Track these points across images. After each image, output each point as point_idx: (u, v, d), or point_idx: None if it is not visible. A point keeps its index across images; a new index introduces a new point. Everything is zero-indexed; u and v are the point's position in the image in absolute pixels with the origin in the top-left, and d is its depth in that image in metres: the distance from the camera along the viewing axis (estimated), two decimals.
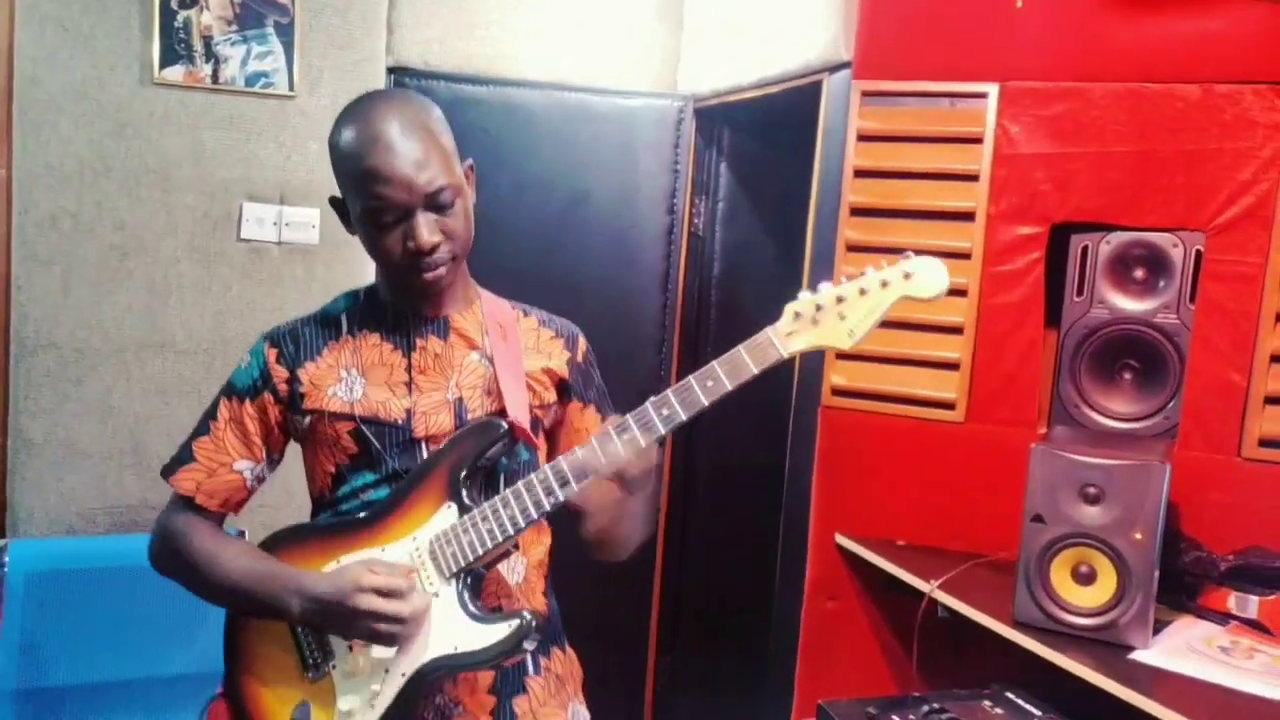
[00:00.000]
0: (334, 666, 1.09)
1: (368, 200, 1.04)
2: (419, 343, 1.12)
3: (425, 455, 1.10)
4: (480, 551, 1.04)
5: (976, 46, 1.60)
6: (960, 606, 1.42)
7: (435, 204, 1.04)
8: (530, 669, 1.15)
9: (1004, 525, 1.45)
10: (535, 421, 1.14)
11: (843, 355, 1.64)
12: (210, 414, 1.14)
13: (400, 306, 1.13)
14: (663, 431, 1.00)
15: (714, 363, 0.99)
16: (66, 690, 1.83)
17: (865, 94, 1.68)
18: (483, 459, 1.07)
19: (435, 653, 1.04)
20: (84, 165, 1.97)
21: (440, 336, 1.13)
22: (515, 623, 1.03)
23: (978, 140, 1.60)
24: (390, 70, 2.14)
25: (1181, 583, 1.42)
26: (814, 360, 1.71)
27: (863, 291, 0.96)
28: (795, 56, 1.88)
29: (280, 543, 1.13)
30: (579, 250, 2.16)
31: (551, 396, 1.16)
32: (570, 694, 1.20)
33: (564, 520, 1.12)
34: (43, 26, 1.92)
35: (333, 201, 1.12)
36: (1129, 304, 1.52)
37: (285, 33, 2.05)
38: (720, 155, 2.32)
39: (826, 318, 0.97)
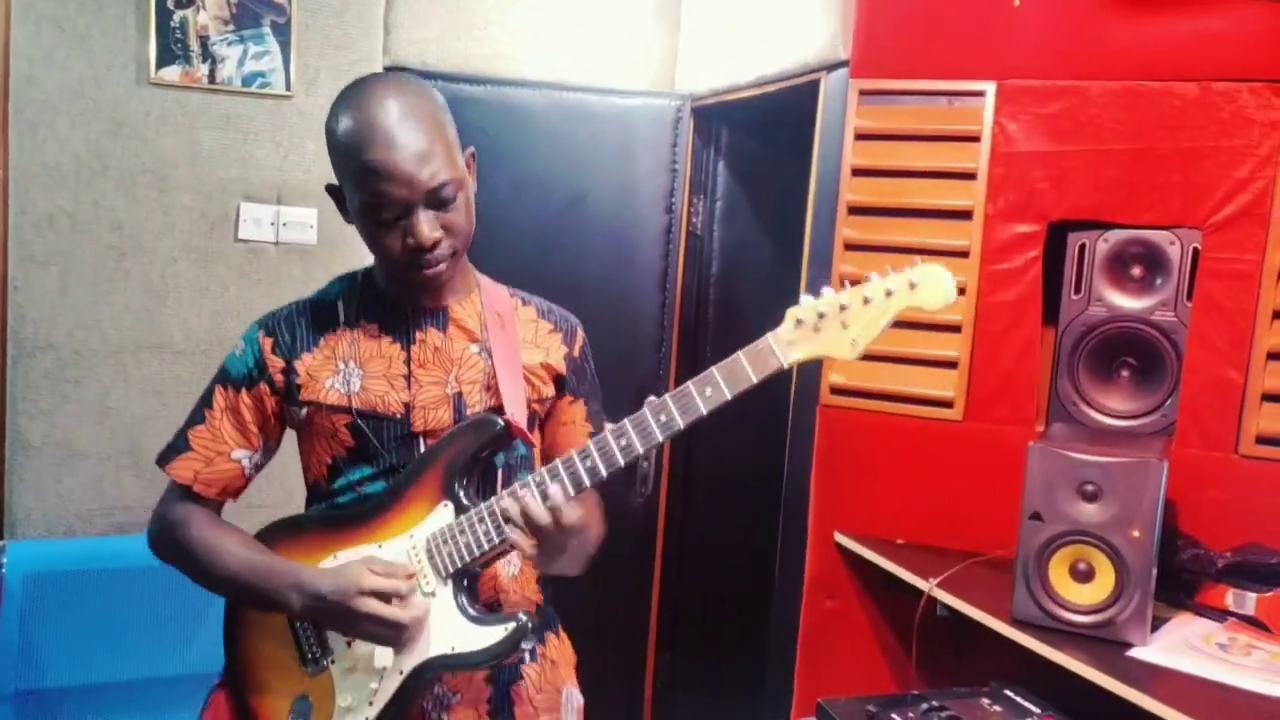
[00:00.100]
0: (332, 662, 1.09)
1: (366, 196, 1.01)
2: (418, 335, 1.10)
3: (422, 450, 1.09)
4: (477, 554, 1.04)
5: (974, 45, 1.61)
6: (959, 604, 1.42)
7: (437, 200, 1.01)
8: (526, 657, 1.16)
9: (1002, 523, 1.45)
10: (532, 416, 1.14)
11: None
12: (205, 402, 1.12)
13: (398, 296, 1.11)
14: (660, 439, 0.98)
15: (713, 369, 0.96)
16: (65, 691, 1.83)
17: (863, 93, 1.68)
18: (479, 457, 1.06)
19: (433, 652, 1.05)
20: (81, 165, 1.96)
21: (439, 329, 1.11)
22: (512, 626, 1.03)
23: (975, 139, 1.60)
24: (387, 70, 2.14)
25: (1179, 580, 1.42)
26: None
27: (867, 300, 0.93)
28: (793, 55, 1.88)
29: (277, 534, 1.13)
30: (577, 250, 2.16)
31: (549, 391, 1.16)
32: (564, 677, 1.21)
33: None
34: (39, 26, 1.91)
35: (330, 189, 1.09)
36: (1126, 302, 1.53)
37: (282, 32, 2.05)
38: (718, 154, 2.32)
39: (829, 326, 0.94)
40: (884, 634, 1.72)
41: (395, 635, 1.03)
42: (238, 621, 1.15)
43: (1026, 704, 1.35)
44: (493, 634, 1.03)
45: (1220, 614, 1.38)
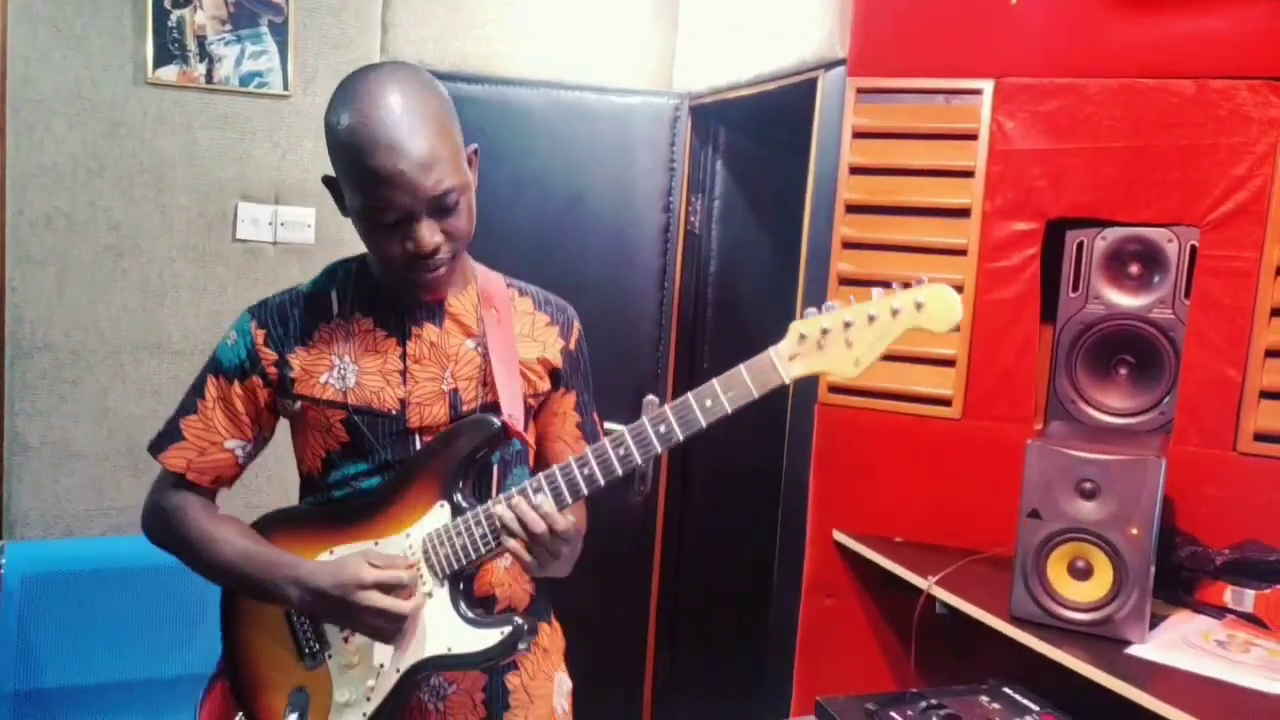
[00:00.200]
0: (329, 656, 1.09)
1: (366, 200, 0.98)
2: (414, 330, 1.09)
3: (418, 446, 1.09)
4: (474, 556, 1.04)
5: (971, 43, 1.60)
6: (958, 602, 1.42)
7: (440, 207, 0.99)
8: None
9: (1001, 521, 1.45)
10: (527, 410, 1.13)
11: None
12: (197, 391, 1.11)
13: (394, 288, 1.09)
14: (659, 450, 0.98)
15: (714, 382, 0.96)
16: (63, 691, 1.83)
17: (860, 91, 1.68)
18: (475, 457, 1.06)
19: (429, 652, 1.05)
20: (78, 165, 1.96)
21: (435, 323, 1.10)
22: (508, 630, 1.04)
23: (973, 136, 1.60)
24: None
25: (1178, 577, 1.42)
26: None
27: (871, 318, 0.93)
28: (790, 54, 1.88)
29: (273, 526, 1.12)
30: (576, 249, 2.16)
31: (545, 385, 1.15)
32: (555, 664, 1.22)
33: None
34: (35, 27, 1.91)
35: (326, 181, 1.05)
36: (1124, 299, 1.53)
37: (279, 32, 2.05)
38: (716, 153, 2.32)
39: (832, 343, 0.93)
40: (883, 632, 1.72)
41: (396, 628, 1.03)
42: (234, 614, 1.15)
43: (1025, 701, 1.35)
44: (489, 637, 1.04)
45: (1218, 611, 1.38)
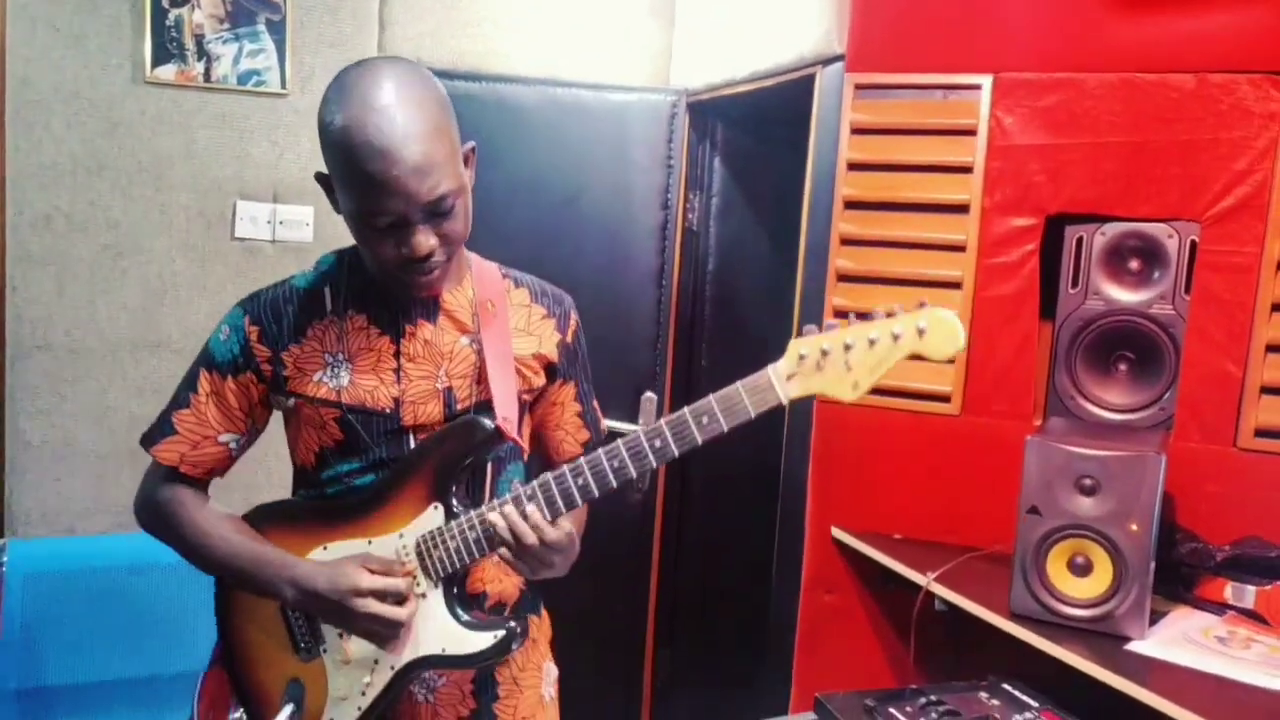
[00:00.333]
0: (324, 651, 1.10)
1: (359, 204, 0.96)
2: (408, 328, 1.08)
3: (413, 444, 1.08)
4: (467, 560, 1.04)
5: (969, 38, 1.60)
6: (957, 599, 1.42)
7: (436, 211, 0.97)
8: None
9: (1000, 518, 1.45)
10: (522, 406, 1.13)
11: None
12: (190, 385, 1.10)
13: (388, 285, 1.06)
14: (654, 465, 0.98)
15: (711, 399, 0.96)
16: (65, 689, 1.83)
17: (858, 87, 1.68)
18: (469, 459, 1.06)
19: (424, 652, 1.06)
20: (77, 165, 1.97)
21: (430, 320, 1.09)
22: (501, 634, 1.04)
23: (971, 132, 1.59)
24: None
25: (1178, 573, 1.42)
26: None
27: (872, 342, 0.92)
28: (788, 50, 1.87)
29: (267, 520, 1.12)
30: (573, 247, 2.16)
31: (540, 380, 1.15)
32: (543, 654, 1.23)
33: None
34: (34, 26, 1.91)
35: (319, 178, 1.03)
36: (1124, 295, 1.52)
37: (277, 30, 2.05)
38: (714, 150, 2.32)
39: (831, 365, 0.93)
40: (882, 628, 1.72)
41: (393, 633, 1.03)
42: (228, 605, 1.15)
43: (1025, 698, 1.35)
44: (482, 640, 1.05)
45: (1219, 607, 1.38)
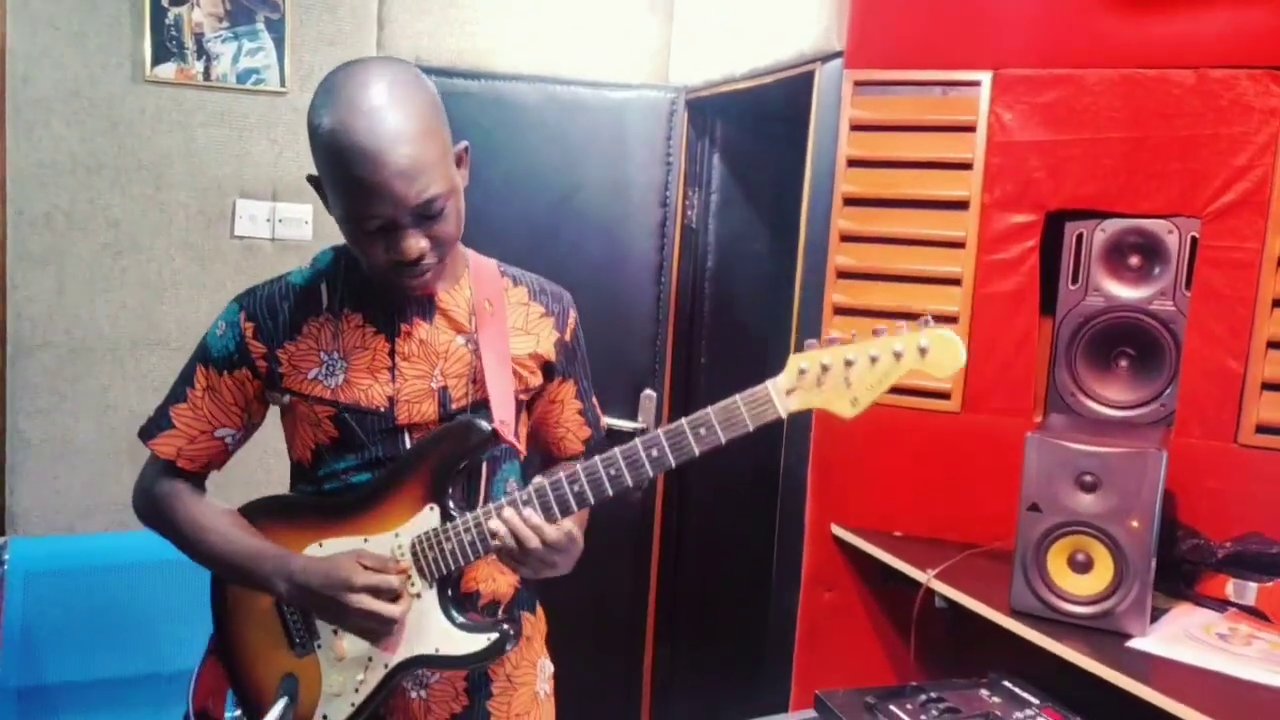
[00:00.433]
0: (319, 647, 1.10)
1: (348, 207, 0.96)
2: (404, 327, 1.08)
3: (408, 443, 1.09)
4: (462, 563, 1.05)
5: (969, 34, 1.59)
6: (957, 596, 1.41)
7: (425, 214, 0.96)
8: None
9: (1001, 515, 1.44)
10: (519, 405, 1.13)
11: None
12: (187, 379, 1.10)
13: (384, 283, 1.05)
14: (650, 474, 0.98)
15: (709, 411, 0.96)
16: (66, 687, 1.84)
17: (857, 83, 1.67)
18: (464, 462, 1.06)
19: (417, 651, 1.06)
20: (77, 163, 1.97)
21: (426, 319, 1.09)
22: (494, 636, 1.05)
23: (971, 129, 1.59)
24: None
25: (1179, 570, 1.42)
26: None
27: (874, 359, 0.92)
28: (787, 46, 1.87)
29: (263, 515, 1.13)
30: (571, 245, 2.16)
31: (537, 380, 1.15)
32: (538, 650, 1.23)
33: None
34: (34, 25, 1.92)
35: (312, 180, 1.03)
36: (1124, 291, 1.52)
37: (276, 29, 2.05)
38: (713, 147, 2.31)
39: (831, 381, 0.93)
40: (882, 626, 1.72)
41: (386, 630, 1.03)
42: (224, 599, 1.15)
43: (1025, 695, 1.35)
44: (476, 642, 1.05)
45: (1220, 604, 1.37)
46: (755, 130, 2.30)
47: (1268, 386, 1.41)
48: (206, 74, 2.02)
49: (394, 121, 0.93)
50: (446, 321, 1.10)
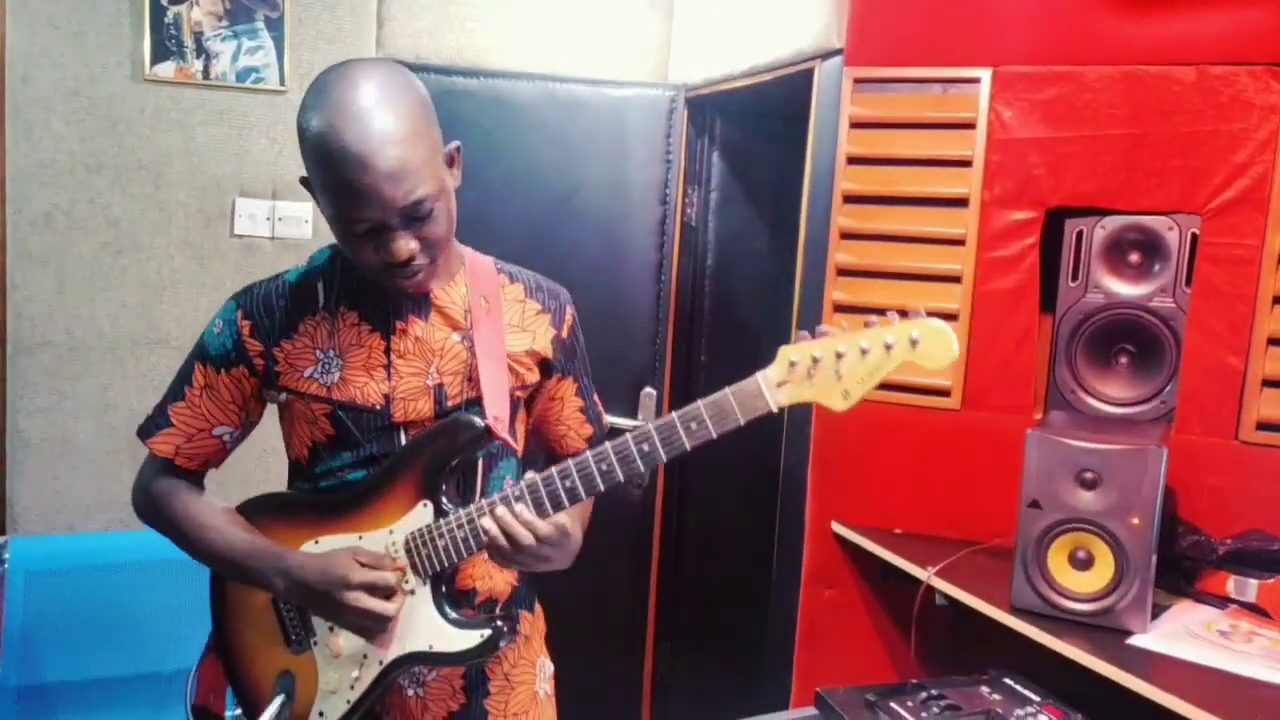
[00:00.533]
0: (315, 644, 1.10)
1: (337, 210, 0.97)
2: (398, 324, 1.08)
3: (404, 440, 1.09)
4: (455, 559, 1.05)
5: (968, 31, 1.59)
6: (958, 593, 1.41)
7: (413, 215, 0.97)
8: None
9: (1001, 512, 1.44)
10: (516, 403, 1.13)
11: None
12: (185, 378, 1.11)
13: (378, 281, 1.05)
14: (642, 469, 0.98)
15: (700, 405, 0.95)
16: (66, 686, 1.84)
17: (857, 81, 1.67)
18: (458, 457, 1.06)
19: (411, 648, 1.06)
20: (76, 162, 1.97)
21: (421, 316, 1.09)
22: (488, 633, 1.05)
23: (970, 126, 1.59)
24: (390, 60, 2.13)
25: (1179, 567, 1.41)
26: None
27: (864, 351, 0.91)
28: (787, 44, 1.87)
29: (261, 512, 1.13)
30: (571, 243, 2.16)
31: (534, 377, 1.15)
32: (537, 649, 1.23)
33: None
34: (33, 25, 1.92)
35: (304, 182, 1.03)
36: (1124, 288, 1.52)
37: (275, 27, 2.05)
38: (712, 145, 2.31)
39: (822, 373, 0.92)
40: (883, 623, 1.72)
41: (381, 628, 1.04)
42: (222, 597, 1.16)
43: (1026, 692, 1.35)
44: (469, 638, 1.05)
45: (1221, 601, 1.37)
46: (755, 128, 2.30)
47: (1268, 383, 1.41)
48: (206, 73, 2.02)
49: (381, 124, 0.93)
50: (442, 319, 1.10)
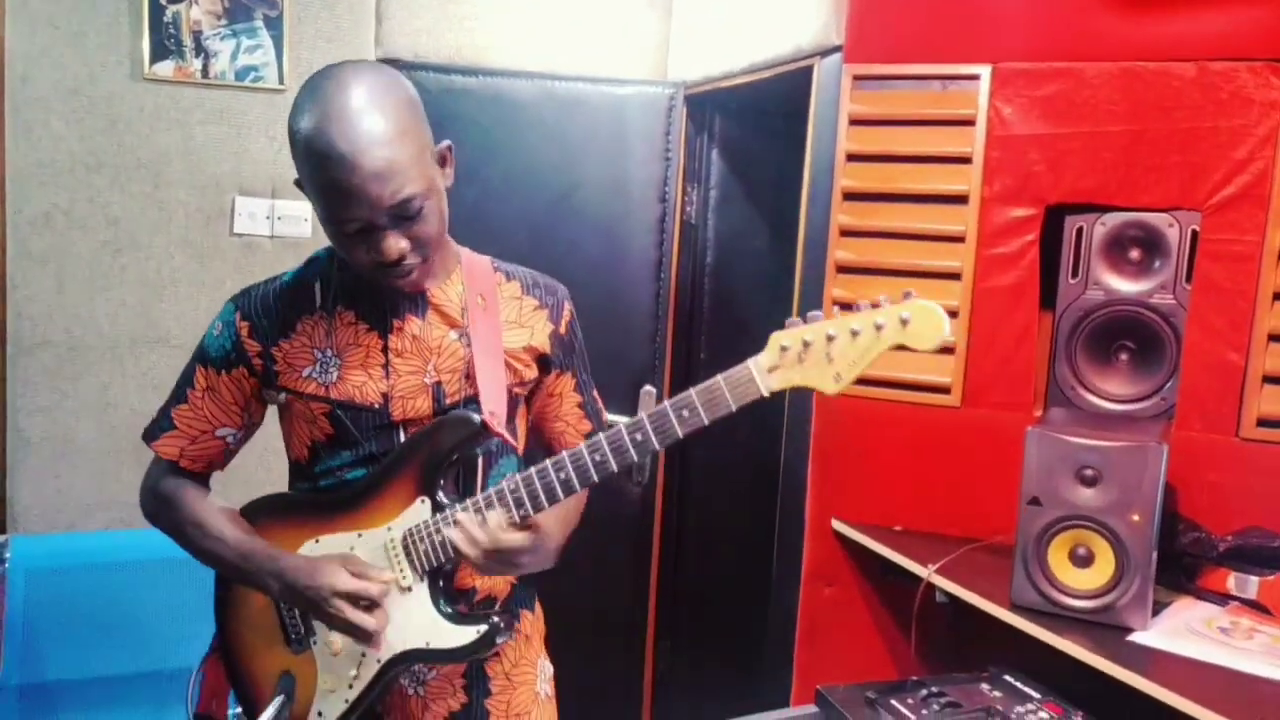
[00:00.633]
0: (315, 644, 1.11)
1: (327, 210, 0.98)
2: (396, 323, 1.09)
3: (403, 438, 1.09)
4: (451, 554, 1.05)
5: (967, 28, 1.59)
6: (958, 590, 1.41)
7: (402, 214, 0.97)
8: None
9: (1001, 509, 1.44)
10: (514, 400, 1.13)
11: None
12: (187, 381, 1.13)
13: (373, 280, 1.06)
14: (634, 459, 0.98)
15: (692, 392, 0.96)
16: (67, 685, 1.84)
17: (856, 78, 1.67)
18: (456, 453, 1.06)
19: (408, 645, 1.07)
20: (76, 162, 1.97)
21: (418, 315, 1.09)
22: (484, 628, 1.05)
23: (970, 122, 1.58)
24: (380, 62, 2.13)
25: (1180, 564, 1.41)
26: None
27: (854, 333, 0.91)
28: (786, 41, 1.86)
29: (262, 513, 1.14)
30: (570, 241, 2.15)
31: (532, 373, 1.15)
32: (537, 650, 1.23)
33: None
34: (33, 24, 1.92)
35: (298, 184, 1.04)
36: (1125, 285, 1.51)
37: (274, 26, 2.05)
38: (712, 142, 2.31)
39: (813, 357, 0.92)
40: (883, 620, 1.72)
41: (365, 638, 1.04)
42: (226, 598, 1.17)
43: (1027, 689, 1.35)
44: (465, 634, 1.05)
45: (1222, 598, 1.37)
46: (754, 125, 2.30)
47: (1268, 380, 1.41)
48: (205, 72, 2.02)
49: (368, 125, 0.94)
50: (439, 317, 1.10)
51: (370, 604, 1.03)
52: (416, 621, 1.06)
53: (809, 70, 1.80)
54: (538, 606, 1.25)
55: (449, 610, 1.07)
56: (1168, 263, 1.48)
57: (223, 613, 1.17)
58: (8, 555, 1.82)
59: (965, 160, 1.59)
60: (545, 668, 1.24)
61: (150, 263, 2.03)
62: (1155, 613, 1.29)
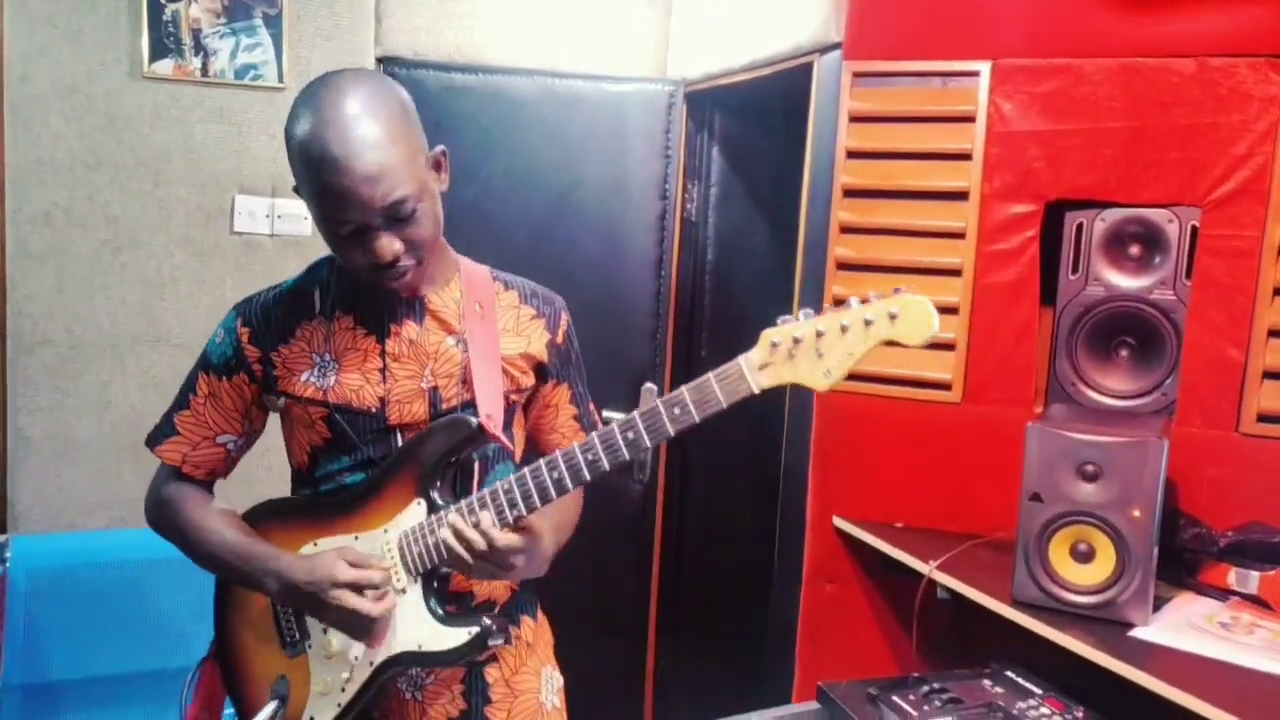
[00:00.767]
0: (309, 647, 1.11)
1: (321, 213, 1.00)
2: (393, 328, 1.10)
3: (400, 443, 1.10)
4: (445, 556, 1.05)
5: (967, 24, 1.59)
6: (959, 586, 1.41)
7: (395, 216, 0.99)
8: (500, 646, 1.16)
9: (1002, 505, 1.44)
10: (511, 407, 1.14)
11: None
12: (189, 387, 1.14)
13: (373, 285, 1.07)
14: (626, 457, 0.98)
15: (684, 390, 0.96)
16: (69, 684, 1.84)
17: (856, 74, 1.67)
18: (452, 456, 1.07)
19: (401, 648, 1.07)
20: (75, 160, 1.97)
21: (415, 320, 1.10)
22: (475, 630, 1.05)
23: (970, 119, 1.58)
24: (379, 60, 2.13)
25: (1181, 559, 1.41)
26: None
27: (844, 329, 0.91)
28: (786, 38, 1.86)
29: (262, 517, 1.15)
30: (571, 239, 2.15)
31: (529, 381, 1.15)
32: (542, 659, 1.22)
33: None
34: (32, 23, 1.91)
35: (296, 190, 1.06)
36: (1125, 281, 1.51)
37: (273, 24, 2.04)
38: (712, 139, 2.31)
39: (803, 353, 0.92)
40: (884, 617, 1.72)
41: (365, 627, 1.04)
42: (225, 601, 1.18)
43: (1028, 685, 1.35)
44: (456, 636, 1.05)
45: (1222, 593, 1.37)
46: (754, 122, 2.30)
47: (1268, 375, 1.41)
48: (204, 70, 2.02)
49: (361, 130, 0.97)
50: (436, 323, 1.11)
51: (373, 590, 1.03)
52: (409, 624, 1.06)
53: (809, 67, 1.80)
54: (541, 615, 1.24)
55: (440, 612, 1.07)
56: (1168, 258, 1.48)
57: (223, 613, 1.17)
58: (8, 555, 1.82)
59: (965, 157, 1.59)
60: (553, 678, 1.23)
61: (150, 261, 2.03)
62: (1156, 608, 1.30)
